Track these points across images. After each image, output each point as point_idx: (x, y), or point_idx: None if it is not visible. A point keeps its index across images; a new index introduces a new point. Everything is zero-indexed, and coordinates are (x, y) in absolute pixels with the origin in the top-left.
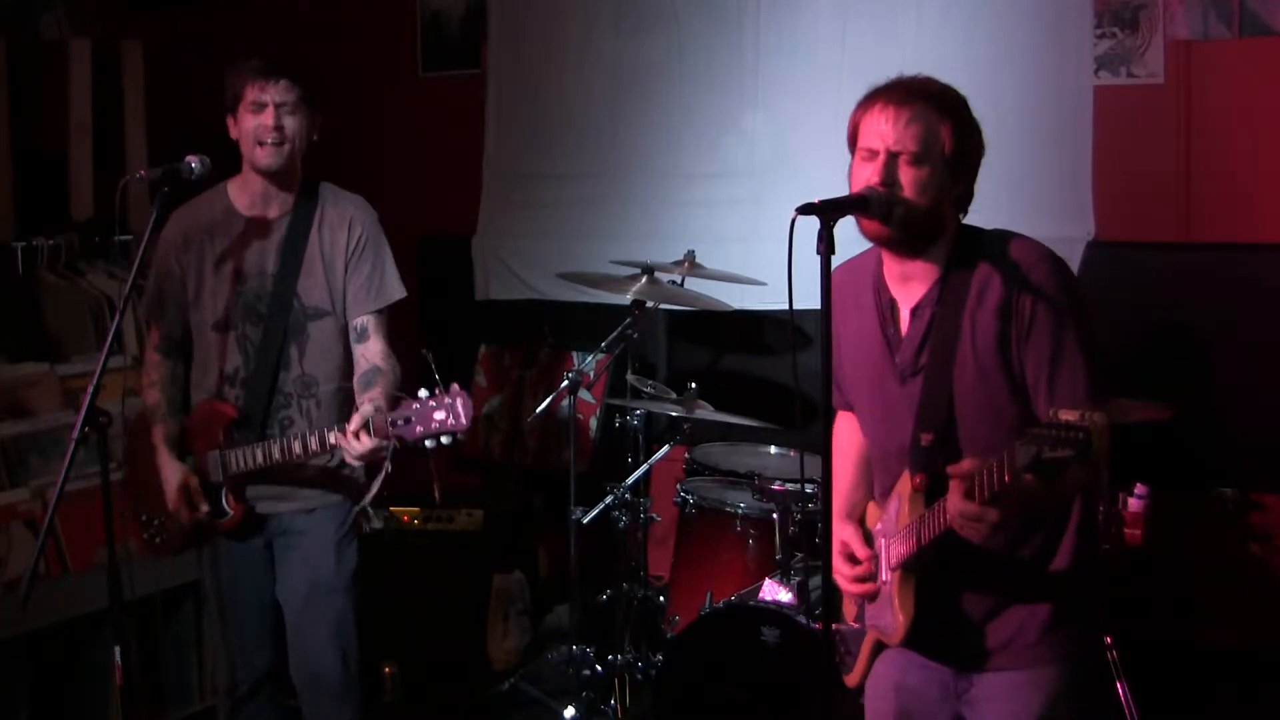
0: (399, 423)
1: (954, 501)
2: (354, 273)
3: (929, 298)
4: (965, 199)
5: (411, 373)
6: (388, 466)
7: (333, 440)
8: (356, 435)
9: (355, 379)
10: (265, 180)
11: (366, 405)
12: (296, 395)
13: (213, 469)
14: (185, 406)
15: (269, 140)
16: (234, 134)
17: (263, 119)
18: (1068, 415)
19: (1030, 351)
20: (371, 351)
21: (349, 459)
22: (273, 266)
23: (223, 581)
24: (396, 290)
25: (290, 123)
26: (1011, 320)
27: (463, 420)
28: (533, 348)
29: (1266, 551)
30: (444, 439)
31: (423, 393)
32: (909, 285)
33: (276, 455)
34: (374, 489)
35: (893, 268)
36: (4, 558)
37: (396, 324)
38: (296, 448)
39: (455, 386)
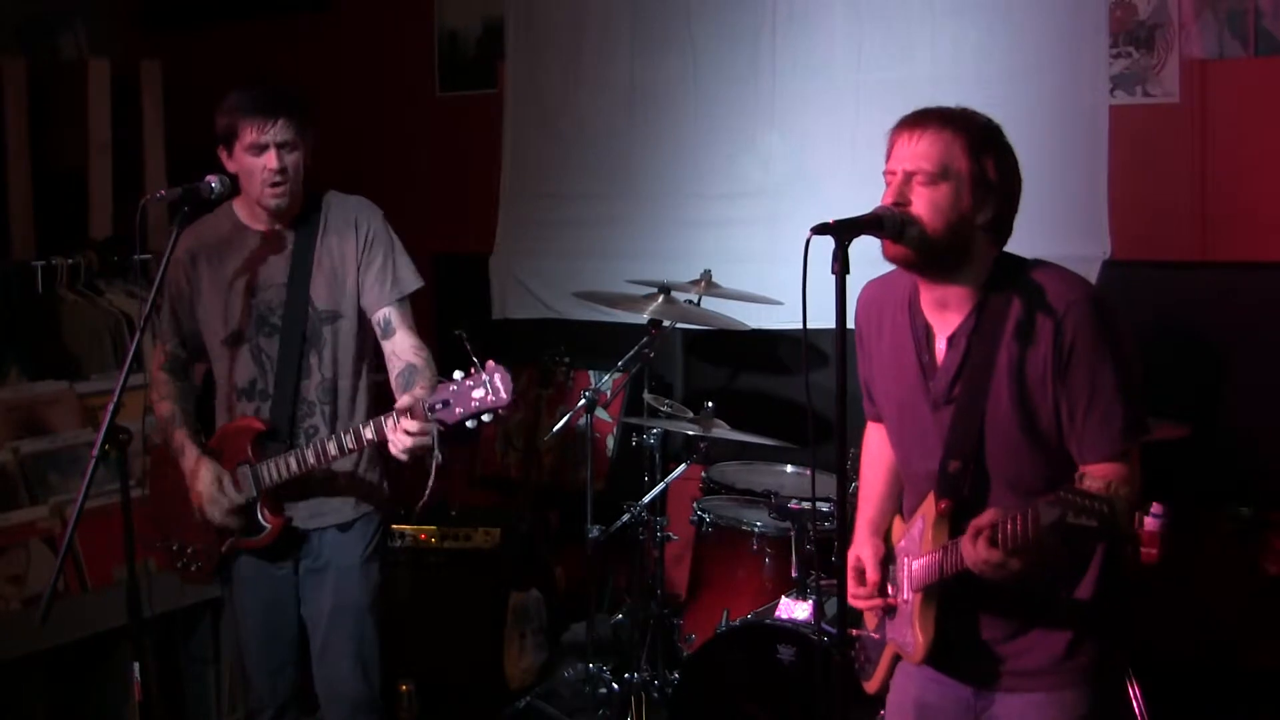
0: (437, 407)
1: (977, 550)
2: (366, 268)
3: (965, 326)
4: (999, 226)
5: (444, 356)
6: (438, 456)
7: (369, 435)
8: (404, 417)
9: (393, 379)
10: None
11: (405, 397)
12: (319, 402)
13: (244, 484)
14: (199, 418)
15: (275, 181)
16: (230, 167)
17: (265, 161)
18: (1094, 485)
19: (1066, 390)
20: (401, 347)
21: (394, 451)
22: (284, 277)
23: (250, 603)
24: (412, 280)
25: (291, 159)
26: (1048, 359)
27: (503, 395)
28: (549, 367)
29: None
30: (486, 417)
31: (457, 374)
32: (945, 313)
33: (311, 460)
34: (431, 481)
35: (928, 293)
36: (23, 574)
37: None
38: (331, 448)
39: (491, 363)
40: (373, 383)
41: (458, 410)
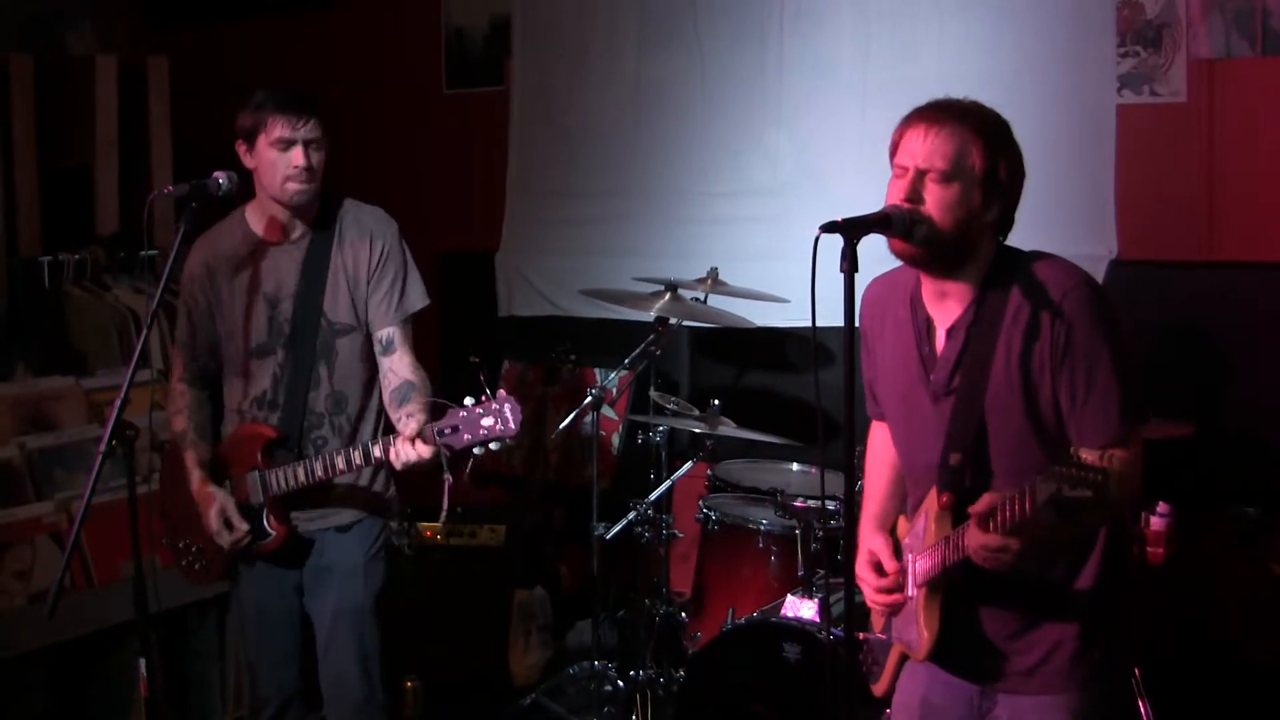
0: (445, 431)
1: (974, 536)
2: (376, 286)
3: (964, 318)
4: (1003, 222)
5: (445, 354)
6: (448, 477)
7: (378, 453)
8: (411, 442)
9: (387, 394)
10: (286, 208)
11: (412, 420)
12: (329, 413)
13: (252, 490)
14: (215, 433)
15: (300, 179)
16: (248, 163)
17: (292, 158)
18: (1089, 455)
19: (1063, 378)
20: (399, 364)
21: (397, 464)
22: (297, 287)
23: (254, 599)
24: (419, 300)
25: (317, 158)
26: (1046, 346)
27: (511, 426)
28: (555, 364)
29: None
30: (493, 445)
31: (468, 400)
32: (945, 304)
33: (320, 472)
34: (446, 501)
35: (929, 286)
36: (29, 570)
37: (416, 339)
38: (340, 463)
39: (502, 393)
40: (370, 401)
41: (465, 436)
